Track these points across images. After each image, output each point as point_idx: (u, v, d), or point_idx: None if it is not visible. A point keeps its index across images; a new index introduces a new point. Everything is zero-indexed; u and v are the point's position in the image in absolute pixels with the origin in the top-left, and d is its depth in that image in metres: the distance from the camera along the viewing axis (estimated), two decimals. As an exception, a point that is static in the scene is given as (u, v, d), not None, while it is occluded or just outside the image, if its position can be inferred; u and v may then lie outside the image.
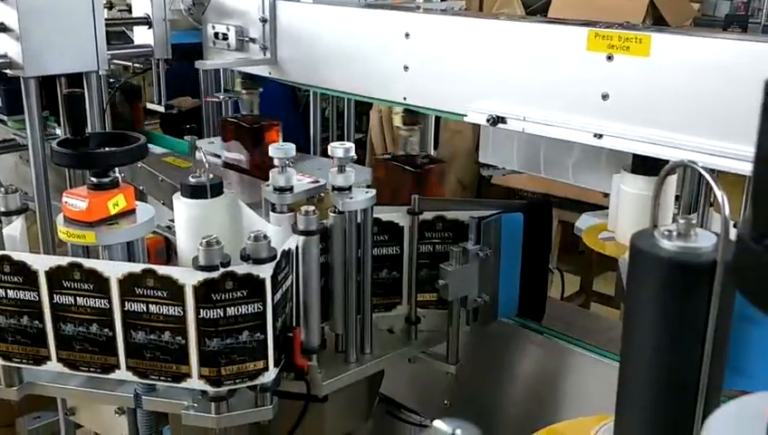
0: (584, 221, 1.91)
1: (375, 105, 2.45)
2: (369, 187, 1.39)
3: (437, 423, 0.37)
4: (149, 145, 2.12)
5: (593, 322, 1.60)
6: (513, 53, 1.38)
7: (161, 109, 1.96)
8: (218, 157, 2.03)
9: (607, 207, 1.61)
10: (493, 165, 2.24)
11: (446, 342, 1.42)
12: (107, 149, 1.24)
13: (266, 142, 1.87)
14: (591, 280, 3.25)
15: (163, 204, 1.77)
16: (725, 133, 1.12)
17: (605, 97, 1.26)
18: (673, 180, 1.47)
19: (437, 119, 1.84)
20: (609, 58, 1.25)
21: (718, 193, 0.57)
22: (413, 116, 1.65)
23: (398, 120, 1.66)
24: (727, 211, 0.57)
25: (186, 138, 2.19)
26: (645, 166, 1.38)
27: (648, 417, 0.63)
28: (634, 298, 0.62)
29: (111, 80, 2.33)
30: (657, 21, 3.96)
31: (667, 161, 1.17)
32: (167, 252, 1.59)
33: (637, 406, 0.63)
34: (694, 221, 0.61)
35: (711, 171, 0.61)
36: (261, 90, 1.96)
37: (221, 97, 2.10)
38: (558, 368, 1.45)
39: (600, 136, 1.27)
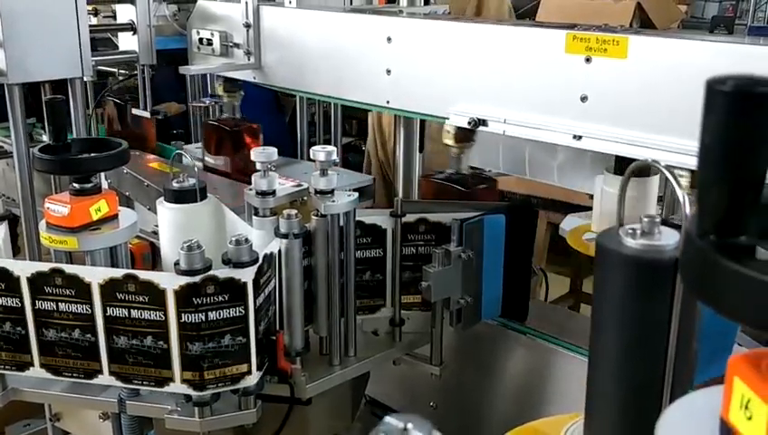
0: (569, 222, 1.91)
1: (374, 111, 2.46)
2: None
3: (388, 419, 0.38)
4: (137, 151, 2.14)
5: (577, 322, 1.60)
6: (493, 57, 1.39)
7: (147, 114, 1.96)
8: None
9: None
10: (479, 168, 2.26)
11: (429, 343, 1.43)
12: (88, 155, 1.25)
13: (247, 145, 1.87)
14: (581, 282, 3.26)
15: (149, 209, 1.78)
16: (701, 133, 1.13)
17: (584, 99, 1.27)
18: (655, 181, 1.48)
19: (422, 124, 1.85)
20: (588, 60, 1.26)
21: (679, 192, 0.58)
22: (466, 132, 1.47)
23: (448, 138, 1.49)
24: (689, 209, 0.58)
25: (173, 144, 2.20)
26: (627, 167, 1.38)
27: (615, 414, 0.63)
28: (600, 296, 0.63)
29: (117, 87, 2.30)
30: (644, 23, 3.98)
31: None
32: (152, 257, 1.59)
33: (604, 403, 0.64)
34: (657, 220, 0.62)
35: (672, 171, 0.61)
36: (242, 93, 1.96)
37: (207, 102, 2.10)
38: (542, 368, 1.46)
39: (579, 137, 1.28)
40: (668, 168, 0.62)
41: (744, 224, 0.39)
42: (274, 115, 2.96)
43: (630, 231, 0.62)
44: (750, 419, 0.41)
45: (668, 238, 0.61)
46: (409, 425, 0.37)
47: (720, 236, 0.39)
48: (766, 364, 0.42)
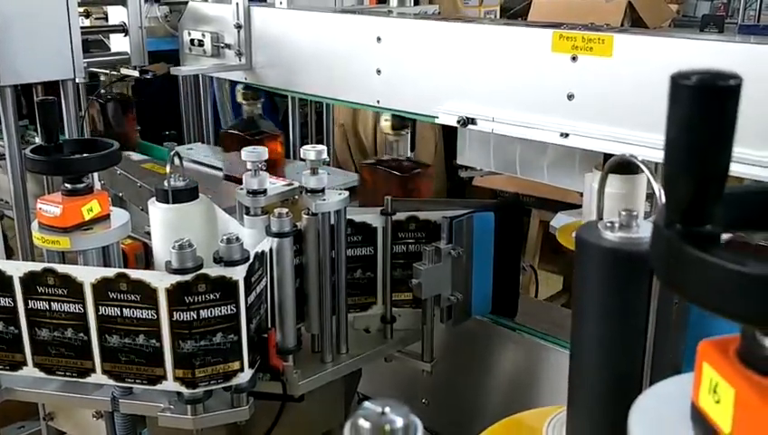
0: (559, 220, 1.93)
1: (336, 119, 2.47)
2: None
3: (367, 404, 0.39)
4: (130, 152, 2.15)
5: (568, 318, 1.62)
6: (481, 56, 1.40)
7: (136, 73, 1.95)
8: (197, 163, 2.06)
9: (583, 206, 1.63)
10: (470, 166, 2.27)
11: (420, 340, 1.44)
12: (79, 155, 1.26)
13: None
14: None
15: (141, 210, 1.78)
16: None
17: (570, 97, 1.29)
18: (644, 178, 1.50)
19: (414, 124, 1.86)
20: (574, 59, 1.28)
21: (655, 186, 0.60)
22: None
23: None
24: (664, 201, 0.59)
25: (165, 144, 2.21)
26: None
27: (595, 404, 0.65)
28: (580, 288, 0.64)
29: (102, 90, 2.33)
30: (635, 23, 4.00)
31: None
32: (145, 257, 1.60)
33: (584, 394, 0.66)
34: (635, 213, 0.63)
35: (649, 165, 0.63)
36: (262, 99, 1.95)
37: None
38: (532, 364, 1.47)
39: (567, 135, 1.30)
40: (646, 162, 0.63)
41: (709, 213, 0.41)
42: (269, 115, 2.97)
43: (609, 225, 0.63)
44: (718, 402, 0.43)
45: (646, 231, 0.63)
46: (387, 409, 0.38)
47: (686, 226, 0.41)
48: (734, 349, 0.44)
